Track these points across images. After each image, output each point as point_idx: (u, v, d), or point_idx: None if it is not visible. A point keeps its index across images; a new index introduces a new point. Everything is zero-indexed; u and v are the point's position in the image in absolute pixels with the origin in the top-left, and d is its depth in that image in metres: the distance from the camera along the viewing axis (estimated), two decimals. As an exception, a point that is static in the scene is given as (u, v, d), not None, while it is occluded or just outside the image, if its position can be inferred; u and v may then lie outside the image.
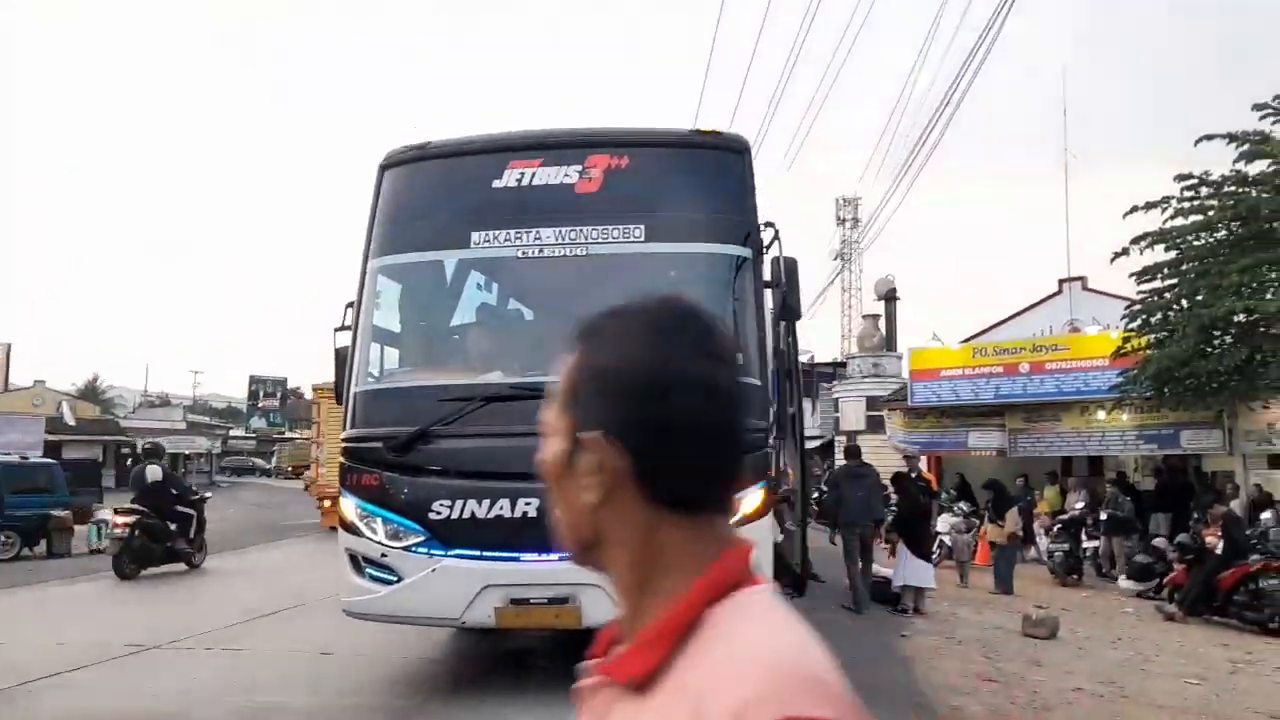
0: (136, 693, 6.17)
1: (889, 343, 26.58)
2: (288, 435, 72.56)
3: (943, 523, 15.36)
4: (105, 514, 18.64)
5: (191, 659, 7.23)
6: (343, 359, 6.24)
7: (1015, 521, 13.79)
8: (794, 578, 7.13)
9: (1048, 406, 18.87)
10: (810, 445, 30.61)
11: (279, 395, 73.29)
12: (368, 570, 5.84)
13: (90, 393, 71.26)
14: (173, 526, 12.77)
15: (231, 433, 72.30)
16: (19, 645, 7.79)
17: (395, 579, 5.70)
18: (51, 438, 42.01)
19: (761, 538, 5.58)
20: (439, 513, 5.55)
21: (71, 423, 50.11)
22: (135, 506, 12.42)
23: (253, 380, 72.50)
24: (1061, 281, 24.06)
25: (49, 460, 21.98)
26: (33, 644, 7.83)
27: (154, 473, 13.23)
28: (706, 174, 6.26)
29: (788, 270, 5.90)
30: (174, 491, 13.44)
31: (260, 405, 72.34)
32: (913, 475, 12.07)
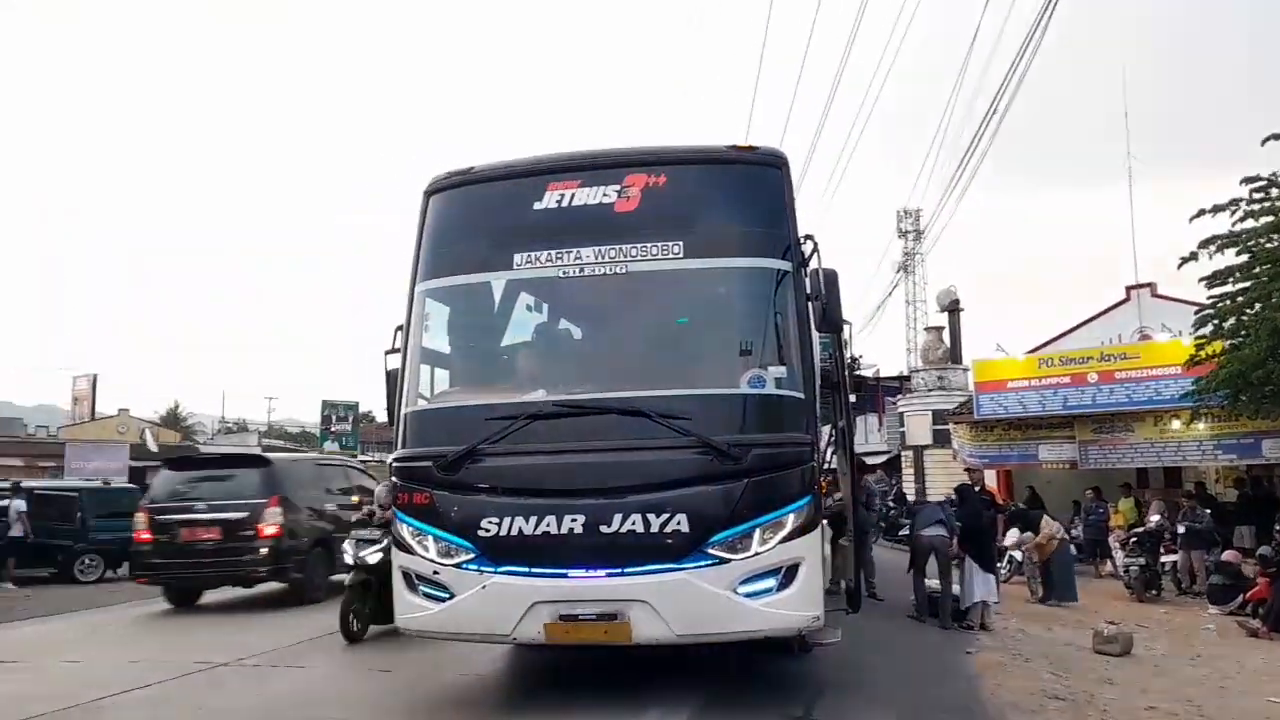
0: (204, 709, 6.35)
1: (954, 355, 26.11)
2: (360, 458, 73.91)
3: (1011, 537, 15.03)
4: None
5: (256, 675, 7.41)
6: (393, 381, 6.38)
7: (1050, 526, 13.72)
8: (848, 593, 7.04)
9: (1119, 417, 18.34)
10: (876, 460, 30.19)
11: (350, 419, 74.68)
12: (421, 588, 5.94)
13: (171, 420, 73.57)
14: None
15: (306, 457, 73.92)
16: (100, 662, 8.09)
17: (447, 596, 5.79)
18: (135, 464, 43.29)
19: (809, 552, 5.54)
20: (487, 530, 5.62)
21: (154, 449, 51.63)
22: None
23: (325, 405, 73.93)
24: (1129, 288, 23.43)
25: (132, 485, 22.71)
26: (112, 661, 8.12)
27: None
28: (744, 189, 6.25)
29: (827, 282, 5.86)
30: None
31: (333, 429, 73.76)
32: (975, 489, 11.81)
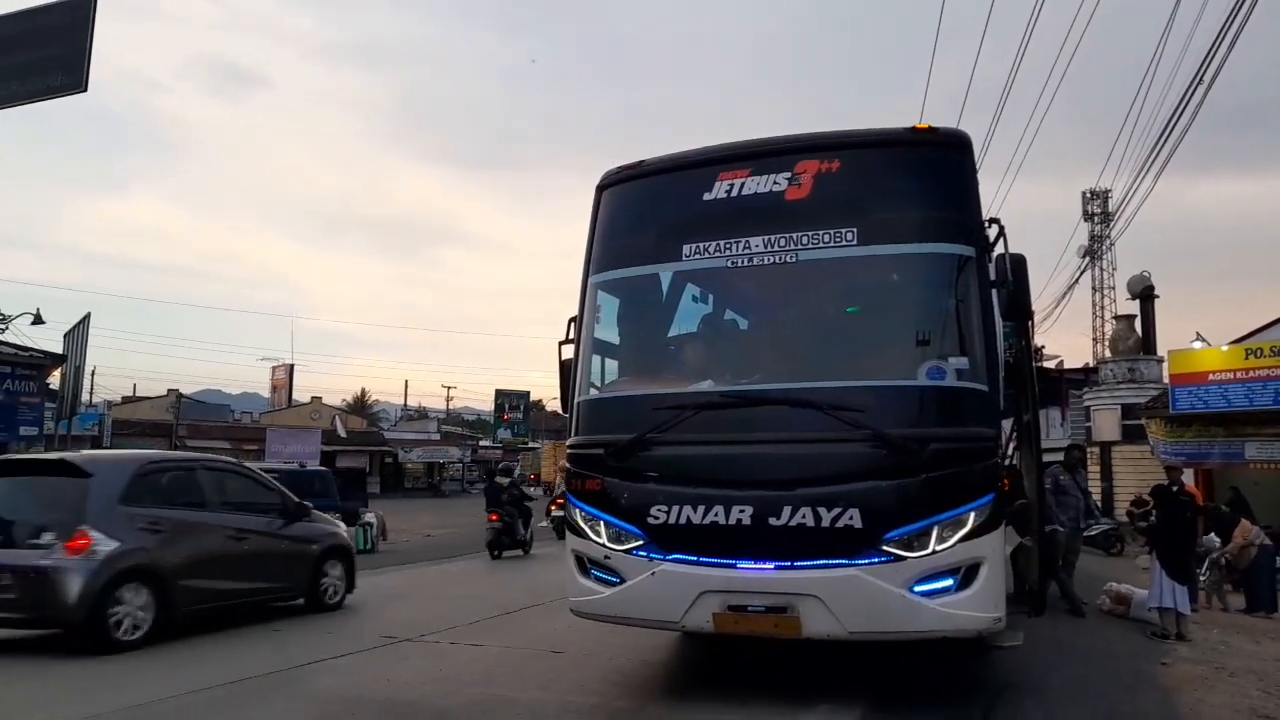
0: (385, 680, 6.72)
1: (1146, 345, 24.47)
2: (530, 445, 76.45)
3: (1212, 541, 13.97)
4: (370, 517, 20.54)
5: (437, 651, 7.79)
6: (567, 371, 6.53)
7: (1247, 530, 12.70)
8: (1031, 595, 6.71)
9: (1343, 413, 16.67)
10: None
11: (522, 408, 77.26)
12: (593, 571, 6.07)
13: (359, 407, 78.26)
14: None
15: (481, 443, 77.00)
16: (297, 634, 8.70)
17: (618, 581, 5.89)
18: (327, 448, 46.47)
19: (991, 552, 5.31)
20: (656, 517, 5.67)
21: (343, 435, 55.05)
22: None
23: (499, 394, 76.84)
24: (1357, 271, 21.23)
25: (323, 469, 24.30)
26: (307, 633, 8.73)
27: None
28: (923, 172, 6.02)
29: (1014, 267, 5.57)
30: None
31: (505, 417, 76.54)
32: (1174, 489, 10.99)
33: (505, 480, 18.00)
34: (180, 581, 8.22)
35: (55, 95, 11.76)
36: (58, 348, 15.81)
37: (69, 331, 14.73)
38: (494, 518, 16.85)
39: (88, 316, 14.53)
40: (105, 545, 7.69)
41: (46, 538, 7.69)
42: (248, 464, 11.94)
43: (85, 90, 10.53)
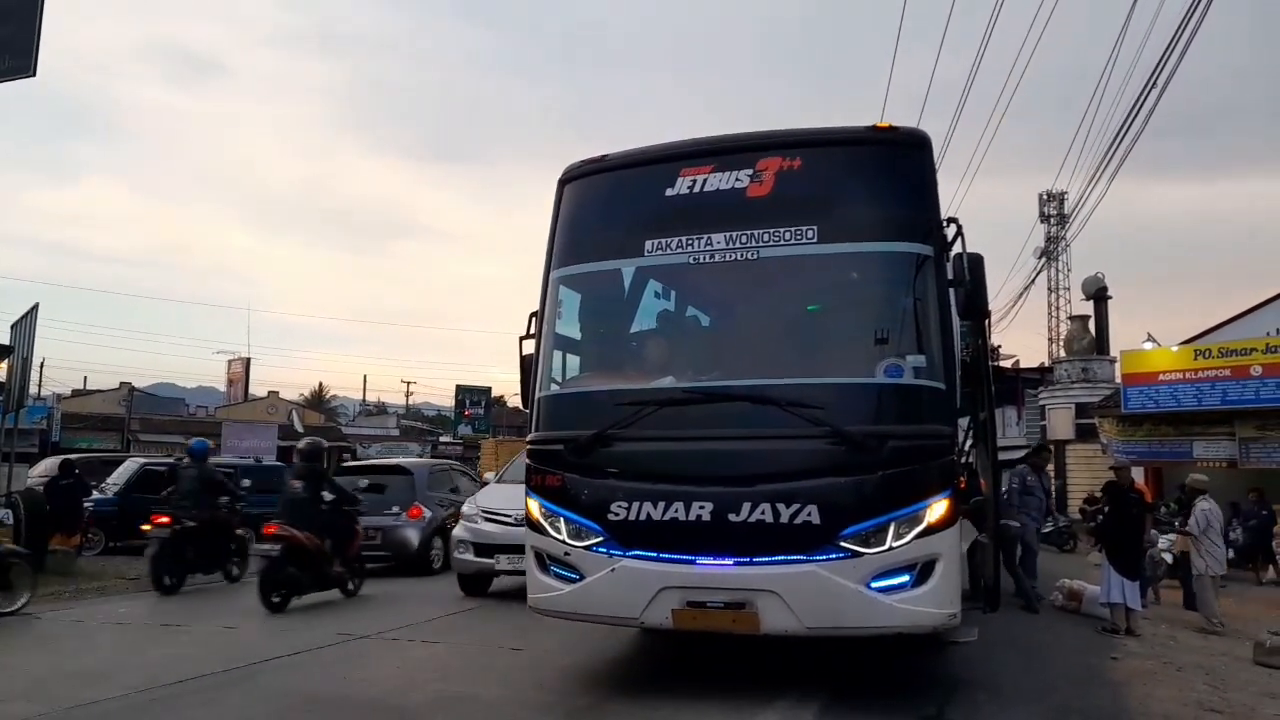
0: (340, 678, 6.65)
1: (1100, 345, 24.92)
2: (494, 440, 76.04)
3: (1164, 539, 14.22)
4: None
5: (394, 649, 7.72)
6: (527, 366, 6.49)
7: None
8: (987, 591, 6.79)
9: (1287, 413, 17.10)
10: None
11: (483, 404, 76.83)
12: (552, 568, 6.04)
13: (316, 402, 77.41)
14: None
15: (441, 439, 76.46)
16: (254, 630, 8.60)
17: (577, 577, 5.87)
18: (284, 443, 45.81)
19: (947, 548, 5.36)
20: (616, 514, 5.66)
21: (301, 429, 54.33)
22: None
23: (459, 390, 76.36)
24: (1302, 274, 21.78)
25: (280, 464, 24.01)
26: (264, 629, 8.63)
27: None
28: (883, 170, 6.06)
29: (972, 267, 5.62)
30: None
31: (467, 413, 76.05)
32: (1125, 487, 11.18)
33: None
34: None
35: (2, 80, 11.46)
36: (4, 339, 15.42)
37: (16, 322, 14.36)
38: None
39: (36, 306, 14.14)
40: (428, 513, 13.35)
41: (394, 509, 13.14)
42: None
43: (34, 75, 10.26)
